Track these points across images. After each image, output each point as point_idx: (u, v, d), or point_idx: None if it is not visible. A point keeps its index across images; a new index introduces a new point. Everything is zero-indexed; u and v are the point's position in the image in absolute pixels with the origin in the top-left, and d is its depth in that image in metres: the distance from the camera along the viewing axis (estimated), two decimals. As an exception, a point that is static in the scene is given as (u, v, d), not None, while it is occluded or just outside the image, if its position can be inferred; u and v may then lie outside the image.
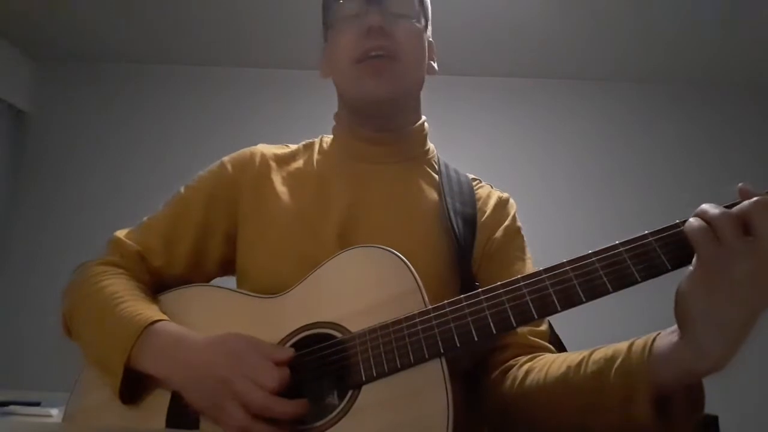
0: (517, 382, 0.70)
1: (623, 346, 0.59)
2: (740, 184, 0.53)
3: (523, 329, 0.76)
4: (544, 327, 0.79)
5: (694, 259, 0.52)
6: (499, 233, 0.84)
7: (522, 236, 0.87)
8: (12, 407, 1.66)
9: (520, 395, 0.68)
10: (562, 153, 3.07)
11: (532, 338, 0.76)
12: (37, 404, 1.69)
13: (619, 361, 0.58)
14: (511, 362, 0.74)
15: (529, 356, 0.73)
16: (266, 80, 3.10)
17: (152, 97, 3.13)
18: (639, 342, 0.58)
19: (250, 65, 3.12)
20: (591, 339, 0.76)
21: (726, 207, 0.52)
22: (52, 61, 3.15)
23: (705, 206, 0.53)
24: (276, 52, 2.96)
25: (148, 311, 0.73)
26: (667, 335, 0.56)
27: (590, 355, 0.63)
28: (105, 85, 3.15)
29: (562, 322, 0.84)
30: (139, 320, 0.71)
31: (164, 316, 0.73)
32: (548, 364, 0.68)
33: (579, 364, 0.63)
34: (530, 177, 2.94)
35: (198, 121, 3.07)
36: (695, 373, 0.54)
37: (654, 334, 0.58)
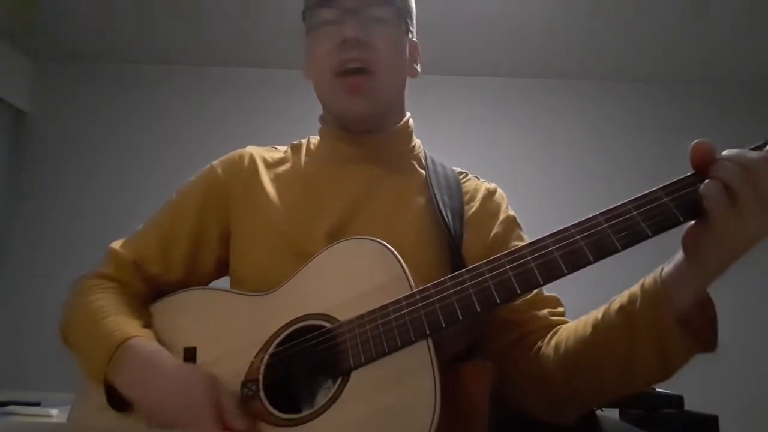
0: (551, 357, 0.71)
1: (636, 288, 0.63)
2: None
3: (543, 311, 0.77)
4: (561, 309, 0.80)
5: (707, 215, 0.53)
6: (497, 228, 0.84)
7: (518, 224, 0.88)
8: (12, 407, 1.66)
9: (559, 368, 0.70)
10: (562, 153, 3.07)
11: (553, 318, 0.77)
12: (37, 404, 1.69)
13: (639, 301, 0.61)
14: (539, 344, 0.75)
15: (551, 333, 0.75)
16: (266, 80, 3.10)
17: (152, 97, 3.13)
18: (648, 280, 0.62)
19: (250, 65, 3.12)
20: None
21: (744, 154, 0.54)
22: (52, 61, 3.15)
23: (722, 168, 0.53)
24: (276, 52, 2.96)
25: (126, 327, 0.75)
26: (671, 266, 0.60)
27: (609, 307, 0.65)
28: (105, 85, 3.15)
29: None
30: (116, 336, 0.73)
31: (141, 332, 0.75)
32: (572, 331, 0.70)
33: (603, 318, 0.65)
34: (530, 177, 2.94)
35: (198, 121, 3.07)
36: (703, 288, 0.59)
37: (659, 269, 0.61)
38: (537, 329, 0.76)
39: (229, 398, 0.65)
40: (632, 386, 0.67)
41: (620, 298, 0.65)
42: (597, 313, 0.67)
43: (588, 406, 0.72)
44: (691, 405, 1.55)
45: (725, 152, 0.55)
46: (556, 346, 0.71)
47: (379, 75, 0.82)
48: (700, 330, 0.60)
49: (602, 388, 0.68)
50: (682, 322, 0.59)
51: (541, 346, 0.74)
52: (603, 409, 1.21)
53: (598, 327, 0.66)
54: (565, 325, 0.75)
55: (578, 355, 0.68)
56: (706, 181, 0.53)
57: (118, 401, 0.72)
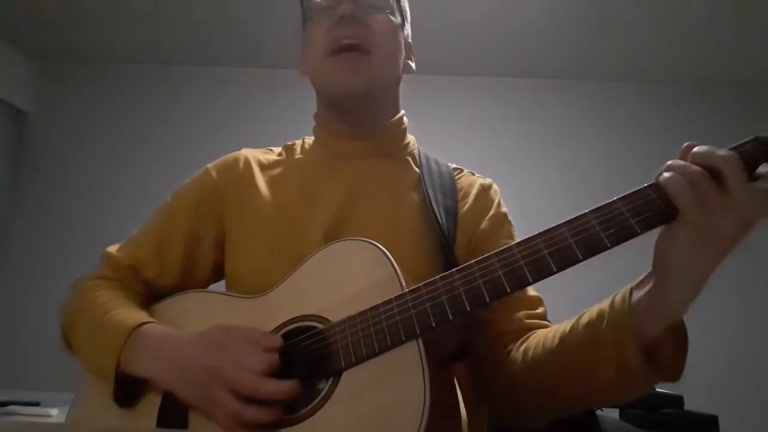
0: (519, 363, 0.71)
1: (605, 305, 0.62)
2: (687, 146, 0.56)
3: (520, 313, 0.77)
4: (541, 309, 0.79)
5: (679, 218, 0.54)
6: (484, 224, 0.84)
7: (509, 221, 0.87)
8: (12, 407, 1.66)
9: (524, 374, 0.70)
10: (561, 153, 3.07)
11: (528, 321, 0.77)
12: (37, 404, 1.70)
13: (606, 320, 0.60)
14: (510, 347, 0.75)
15: (523, 337, 0.74)
16: (266, 80, 3.10)
17: (152, 97, 3.13)
18: (618, 298, 0.61)
19: (250, 65, 3.12)
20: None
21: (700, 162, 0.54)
22: (52, 61, 3.15)
23: (688, 167, 0.53)
24: (276, 52, 2.96)
25: (135, 315, 0.75)
26: (641, 286, 0.59)
27: (578, 320, 0.65)
28: (105, 85, 3.15)
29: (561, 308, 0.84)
30: (126, 325, 0.72)
31: (150, 319, 0.75)
32: (542, 339, 0.69)
33: (571, 330, 0.65)
34: (529, 177, 2.95)
35: (198, 121, 3.07)
36: (675, 314, 0.57)
37: (629, 287, 0.60)
38: (510, 331, 0.76)
39: (251, 329, 0.67)
40: (592, 402, 0.67)
41: (590, 313, 0.64)
42: (567, 325, 0.67)
43: (551, 416, 0.71)
44: (691, 405, 1.55)
45: (696, 149, 0.55)
46: (525, 352, 0.71)
47: (374, 56, 0.81)
48: (666, 359, 0.58)
49: (564, 399, 0.68)
50: (648, 349, 0.58)
51: (512, 350, 0.74)
52: (603, 409, 1.21)
53: (565, 340, 0.65)
54: (537, 331, 0.74)
55: (544, 364, 0.67)
56: (665, 174, 0.53)
57: (124, 393, 0.71)
